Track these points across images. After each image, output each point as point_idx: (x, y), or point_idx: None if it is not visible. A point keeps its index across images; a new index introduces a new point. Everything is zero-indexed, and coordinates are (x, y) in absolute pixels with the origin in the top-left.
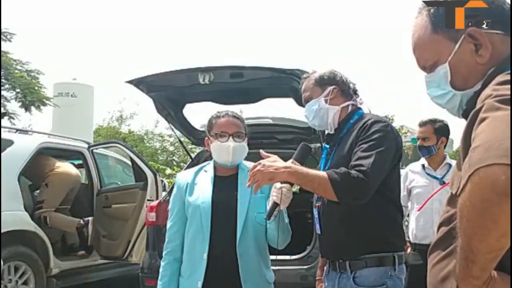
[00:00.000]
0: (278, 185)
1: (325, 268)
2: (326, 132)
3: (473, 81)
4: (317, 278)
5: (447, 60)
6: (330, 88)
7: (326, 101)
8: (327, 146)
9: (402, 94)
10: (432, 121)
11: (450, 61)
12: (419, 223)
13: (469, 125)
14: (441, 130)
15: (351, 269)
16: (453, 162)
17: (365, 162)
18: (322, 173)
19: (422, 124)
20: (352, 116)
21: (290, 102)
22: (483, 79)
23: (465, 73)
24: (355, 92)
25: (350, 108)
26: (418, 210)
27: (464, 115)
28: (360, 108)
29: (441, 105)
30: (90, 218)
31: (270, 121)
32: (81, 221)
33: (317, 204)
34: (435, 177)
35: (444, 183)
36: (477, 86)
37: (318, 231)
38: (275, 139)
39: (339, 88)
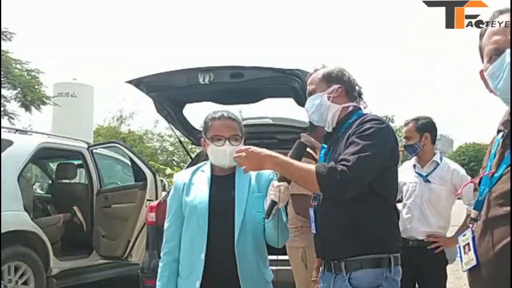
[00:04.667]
0: (276, 183)
1: (320, 269)
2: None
3: None
4: (312, 279)
5: None
6: (335, 86)
7: (329, 98)
8: (325, 146)
9: (402, 94)
10: (415, 119)
11: None
12: (402, 217)
13: None
14: (424, 126)
15: (346, 270)
16: (444, 160)
17: (352, 157)
18: (308, 165)
19: (405, 124)
20: (351, 116)
21: (290, 102)
22: None
23: None
24: (360, 95)
25: (350, 108)
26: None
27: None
28: (360, 109)
29: None
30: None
31: (270, 121)
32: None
33: (313, 204)
34: (420, 174)
35: (428, 180)
36: None
37: (314, 231)
38: (275, 139)
39: (345, 88)
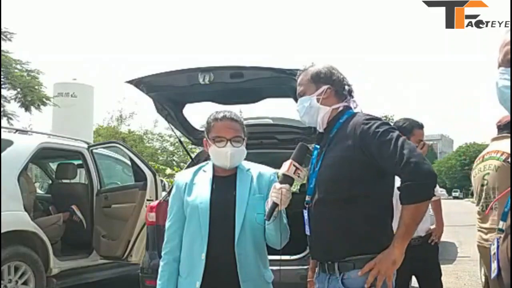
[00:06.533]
0: (278, 185)
1: (316, 269)
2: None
3: None
4: (308, 279)
5: None
6: (324, 87)
7: (318, 100)
8: (317, 146)
9: (402, 94)
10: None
11: None
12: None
13: None
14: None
15: (340, 271)
16: None
17: (406, 153)
18: (407, 208)
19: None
20: (342, 115)
21: (290, 102)
22: None
23: None
24: (350, 93)
25: (340, 109)
26: None
27: None
28: (350, 108)
29: None
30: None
31: (270, 121)
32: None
33: (306, 205)
34: None
35: None
36: None
37: (308, 232)
38: (275, 139)
39: (334, 88)
